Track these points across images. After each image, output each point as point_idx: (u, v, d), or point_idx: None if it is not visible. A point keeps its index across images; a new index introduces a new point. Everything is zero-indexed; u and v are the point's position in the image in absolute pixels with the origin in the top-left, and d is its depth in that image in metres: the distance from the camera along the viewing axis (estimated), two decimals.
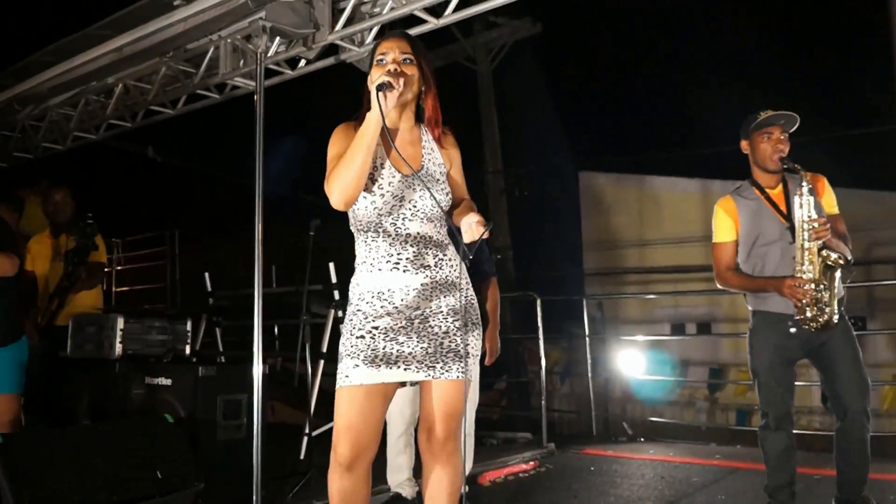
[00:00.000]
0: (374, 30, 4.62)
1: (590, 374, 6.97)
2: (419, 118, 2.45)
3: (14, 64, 5.74)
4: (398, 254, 2.30)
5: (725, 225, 3.43)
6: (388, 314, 2.29)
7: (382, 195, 2.29)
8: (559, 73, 16.68)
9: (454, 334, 2.32)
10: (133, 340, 4.37)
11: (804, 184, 3.18)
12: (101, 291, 5.18)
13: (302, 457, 4.83)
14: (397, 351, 2.27)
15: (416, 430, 3.82)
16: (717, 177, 12.20)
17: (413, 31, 4.49)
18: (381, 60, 2.33)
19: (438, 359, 2.29)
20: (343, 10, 4.46)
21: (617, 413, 9.25)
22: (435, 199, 2.31)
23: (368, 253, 2.33)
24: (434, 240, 2.34)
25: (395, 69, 2.28)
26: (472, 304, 2.40)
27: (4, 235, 3.81)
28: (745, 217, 3.39)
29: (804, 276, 3.15)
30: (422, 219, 2.32)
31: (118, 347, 4.28)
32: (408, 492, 3.85)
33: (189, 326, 4.69)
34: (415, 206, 2.31)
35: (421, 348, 2.28)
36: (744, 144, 3.43)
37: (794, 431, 3.32)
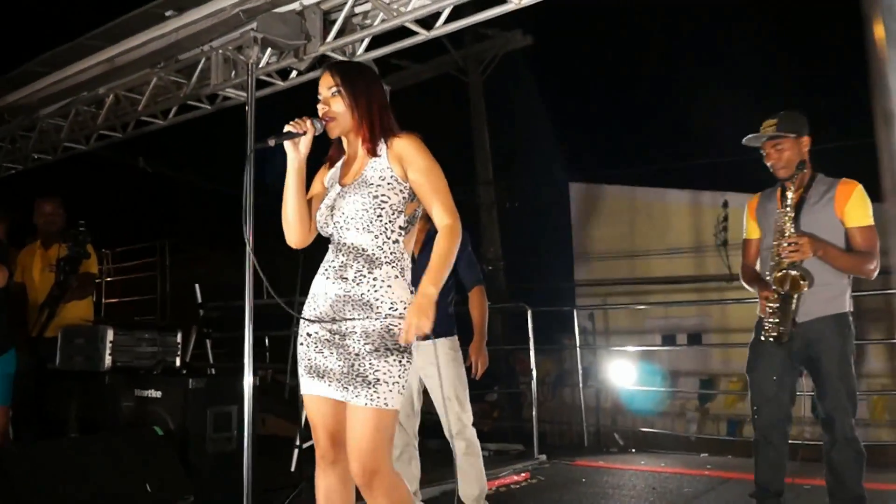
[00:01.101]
0: (366, 41, 4.64)
1: (581, 385, 6.97)
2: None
3: (4, 74, 5.73)
4: (332, 261, 2.39)
5: (748, 223, 3.48)
6: (318, 318, 2.37)
7: (320, 208, 2.44)
8: (550, 84, 16.76)
9: (363, 358, 2.25)
10: (123, 352, 4.36)
11: (790, 195, 3.18)
12: (91, 303, 5.15)
13: (293, 469, 4.81)
14: (323, 365, 2.34)
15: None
16: (707, 188, 12.27)
17: (404, 43, 4.53)
18: (318, 98, 2.44)
19: (351, 381, 2.26)
20: (334, 21, 4.47)
21: (608, 424, 9.24)
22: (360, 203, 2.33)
23: (324, 259, 2.45)
24: (366, 253, 2.32)
25: (322, 108, 2.40)
26: (391, 330, 2.28)
27: None
28: (760, 217, 3.41)
29: (771, 290, 3.20)
30: (357, 227, 2.33)
31: (108, 359, 4.27)
32: None
33: (179, 338, 4.67)
34: (344, 213, 2.35)
35: (339, 366, 2.30)
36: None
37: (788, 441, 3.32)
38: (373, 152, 2.38)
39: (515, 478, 5.03)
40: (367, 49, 4.69)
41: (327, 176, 2.53)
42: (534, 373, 6.34)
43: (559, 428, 10.17)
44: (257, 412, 3.80)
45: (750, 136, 3.33)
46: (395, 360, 2.27)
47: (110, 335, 4.29)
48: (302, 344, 2.40)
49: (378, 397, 2.23)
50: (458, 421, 3.72)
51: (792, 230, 3.17)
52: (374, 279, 2.30)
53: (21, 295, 4.80)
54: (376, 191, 2.33)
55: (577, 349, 7.05)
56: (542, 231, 14.52)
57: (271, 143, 2.34)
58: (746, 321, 3.77)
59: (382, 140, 2.39)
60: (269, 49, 4.61)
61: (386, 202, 2.33)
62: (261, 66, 4.68)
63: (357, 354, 2.26)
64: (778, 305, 3.20)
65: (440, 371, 3.66)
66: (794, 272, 3.13)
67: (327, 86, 2.40)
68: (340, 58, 4.70)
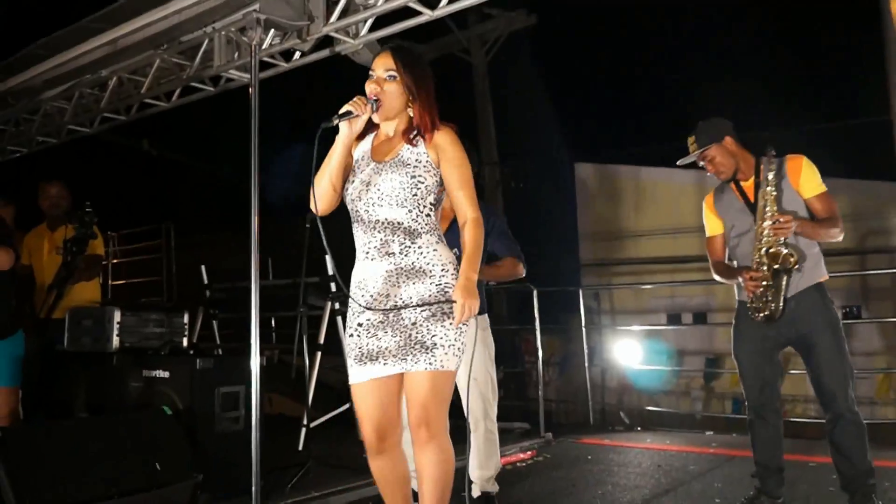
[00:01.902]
0: (369, 22, 4.61)
1: (586, 364, 6.99)
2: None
3: (7, 57, 5.72)
4: (369, 242, 2.44)
5: (709, 220, 3.61)
6: (370, 308, 2.40)
7: (353, 181, 2.48)
8: (554, 64, 16.69)
9: (421, 325, 2.35)
10: (130, 333, 4.38)
11: (770, 175, 3.23)
12: (98, 284, 5.17)
13: (300, 448, 4.84)
14: (377, 347, 2.39)
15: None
16: None
17: (407, 24, 4.49)
18: (371, 76, 2.49)
19: (409, 351, 2.35)
20: (337, 2, 4.45)
21: (614, 402, 9.27)
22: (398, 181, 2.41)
23: (356, 244, 2.49)
24: (404, 226, 2.41)
25: (374, 88, 2.46)
26: (447, 291, 2.39)
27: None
28: (721, 211, 3.52)
29: (758, 270, 3.24)
30: (390, 203, 2.41)
31: (115, 340, 4.29)
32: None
33: (186, 319, 4.69)
34: (380, 190, 2.42)
35: (395, 342, 2.37)
36: None
37: (791, 420, 3.34)
38: (413, 142, 2.47)
39: (521, 456, 5.06)
40: (371, 30, 4.66)
41: (357, 149, 2.59)
42: (539, 352, 6.37)
43: (565, 407, 10.21)
44: (264, 392, 3.82)
45: (680, 160, 3.54)
46: (450, 324, 2.37)
47: (118, 316, 4.31)
48: (352, 335, 2.45)
49: (435, 360, 2.34)
50: (482, 404, 3.67)
51: (775, 209, 3.22)
52: (419, 247, 2.40)
53: (28, 277, 4.82)
54: (414, 171, 2.42)
55: (583, 329, 7.07)
56: (547, 211, 14.49)
57: (335, 121, 2.42)
58: None
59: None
60: (272, 30, 4.59)
61: (422, 182, 2.43)
62: (264, 47, 4.67)
63: (414, 323, 2.35)
64: (771, 283, 3.22)
65: (472, 350, 3.65)
66: (785, 249, 3.18)
67: (385, 67, 2.47)
68: (346, 39, 4.68)
